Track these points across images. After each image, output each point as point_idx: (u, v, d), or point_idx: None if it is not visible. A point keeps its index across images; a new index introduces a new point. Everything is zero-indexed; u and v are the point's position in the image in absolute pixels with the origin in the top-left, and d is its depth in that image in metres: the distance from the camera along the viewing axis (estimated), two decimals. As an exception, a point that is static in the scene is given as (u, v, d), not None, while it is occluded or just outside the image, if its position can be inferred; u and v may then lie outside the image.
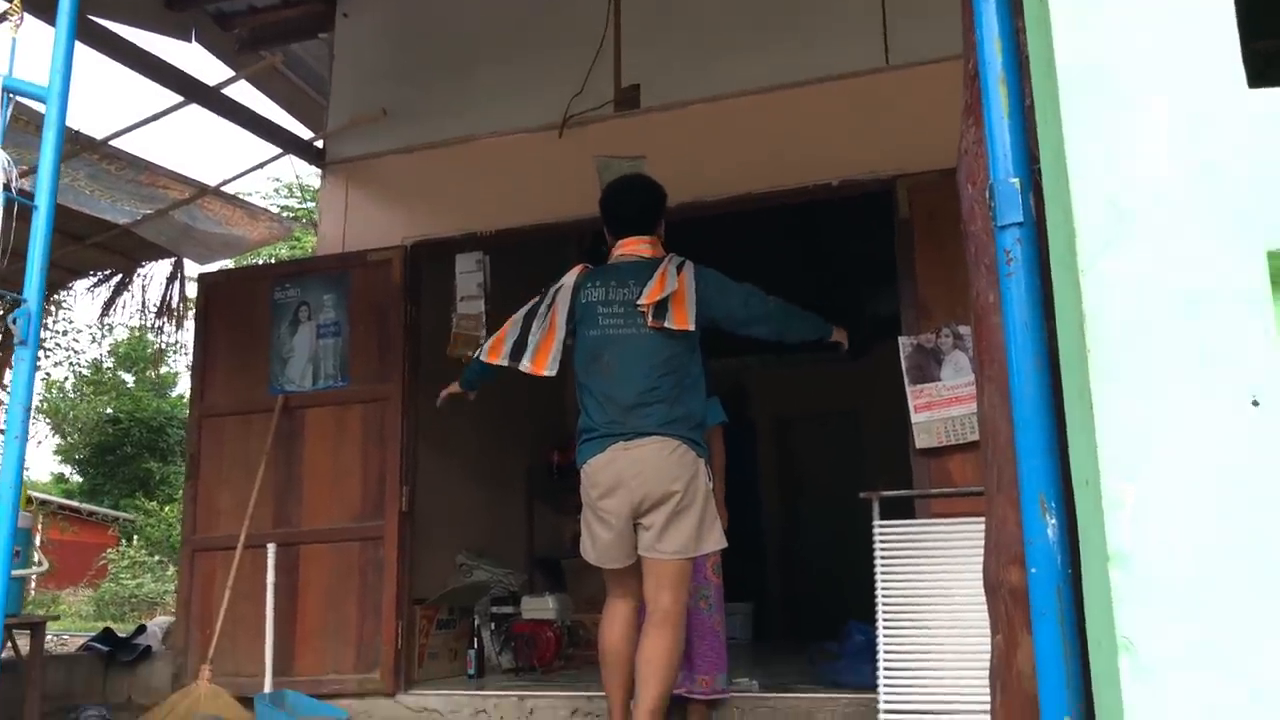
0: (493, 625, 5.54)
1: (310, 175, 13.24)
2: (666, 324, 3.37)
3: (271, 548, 4.80)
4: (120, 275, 6.02)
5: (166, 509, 18.02)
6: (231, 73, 5.53)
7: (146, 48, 4.95)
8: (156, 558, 16.61)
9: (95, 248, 5.54)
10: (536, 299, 3.66)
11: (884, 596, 3.54)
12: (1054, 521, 1.21)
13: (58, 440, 22.22)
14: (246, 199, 6.80)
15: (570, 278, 3.63)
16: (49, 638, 5.84)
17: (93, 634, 6.42)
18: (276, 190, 15.89)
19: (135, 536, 18.19)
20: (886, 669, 3.46)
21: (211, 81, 5.14)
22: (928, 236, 4.18)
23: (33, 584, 13.67)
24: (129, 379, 22.40)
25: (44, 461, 27.20)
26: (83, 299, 6.72)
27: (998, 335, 1.34)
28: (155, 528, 17.85)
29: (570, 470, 4.03)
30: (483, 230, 5.18)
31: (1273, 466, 0.95)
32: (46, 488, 21.68)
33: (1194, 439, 0.97)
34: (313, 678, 4.78)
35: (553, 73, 5.12)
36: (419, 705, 4.65)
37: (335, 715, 4.56)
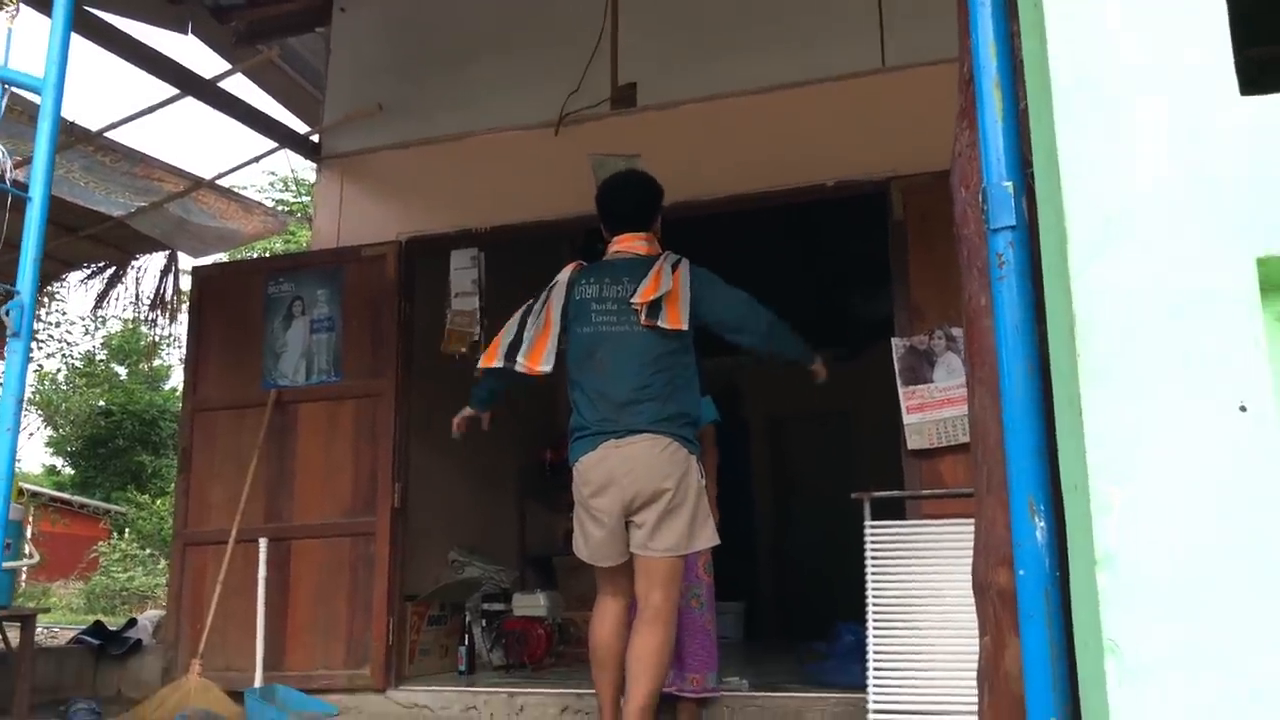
0: (484, 622, 5.54)
1: (305, 169, 13.24)
2: (659, 323, 3.36)
3: (263, 542, 4.80)
4: (114, 268, 6.01)
5: (158, 502, 17.99)
6: (228, 66, 5.52)
7: (143, 40, 4.94)
8: (148, 551, 16.59)
9: (89, 240, 5.53)
10: (531, 300, 3.66)
11: (874, 597, 3.55)
12: (1043, 524, 1.22)
13: (50, 432, 22.16)
14: (241, 193, 6.79)
15: (564, 274, 3.63)
16: (39, 630, 5.83)
17: (83, 627, 6.41)
18: (271, 184, 15.85)
19: (127, 529, 18.15)
20: (876, 669, 3.46)
21: (207, 74, 5.14)
22: (921, 238, 4.19)
23: (23, 576, 13.65)
24: (122, 371, 22.34)
25: (36, 453, 27.13)
26: (76, 291, 6.70)
27: (989, 338, 1.35)
28: (147, 521, 17.82)
29: (562, 468, 4.03)
30: (478, 227, 5.18)
31: (1260, 472, 0.96)
32: (38, 480, 21.61)
33: (1182, 444, 0.98)
34: (303, 673, 4.79)
35: (549, 70, 5.12)
36: (409, 701, 4.65)
37: (326, 711, 4.56)
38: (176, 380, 20.47)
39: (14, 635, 4.84)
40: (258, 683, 4.57)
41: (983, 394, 1.45)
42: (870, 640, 3.50)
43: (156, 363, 20.97)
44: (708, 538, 3.42)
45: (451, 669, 5.29)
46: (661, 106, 4.93)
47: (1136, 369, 1.00)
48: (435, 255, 5.27)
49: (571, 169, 4.80)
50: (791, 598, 8.52)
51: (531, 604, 5.46)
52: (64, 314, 18.76)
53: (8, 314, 2.23)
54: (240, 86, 7.43)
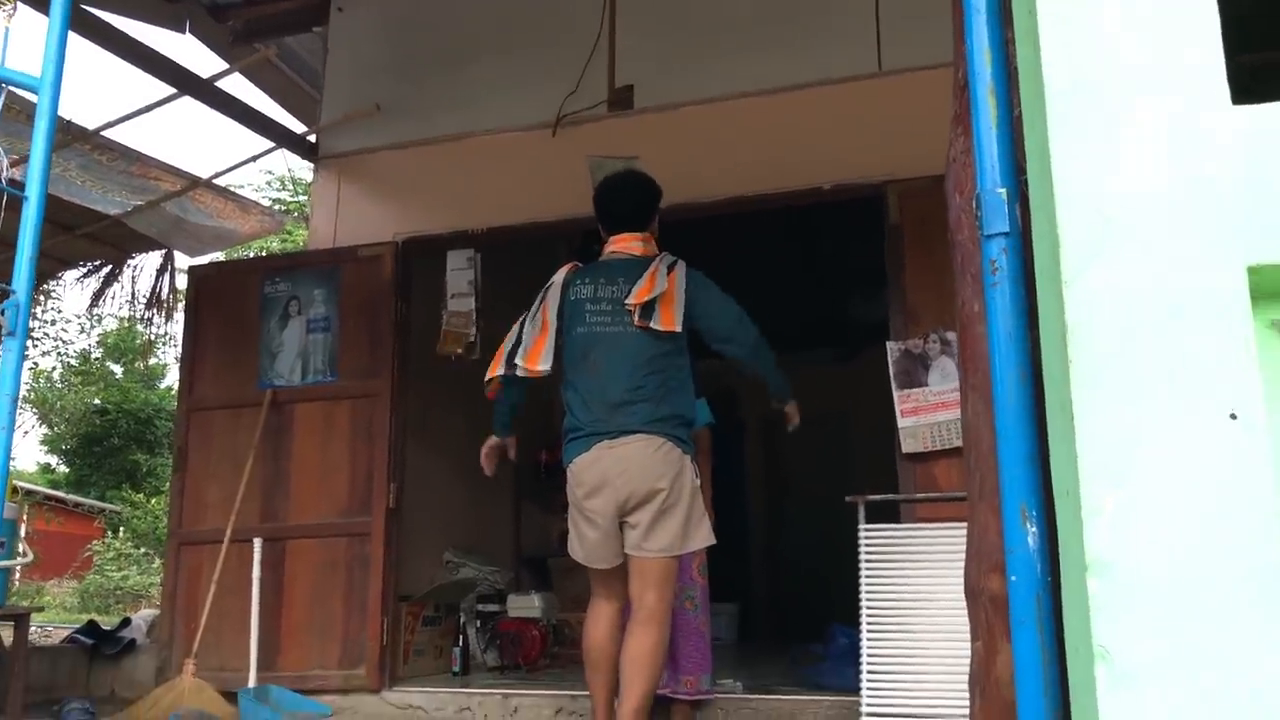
0: (478, 623, 5.54)
1: (303, 168, 13.23)
2: (652, 324, 3.35)
3: (258, 542, 4.80)
4: (110, 266, 6.00)
5: (153, 501, 17.97)
6: (225, 65, 5.52)
7: (140, 38, 4.94)
8: (142, 550, 16.57)
9: (85, 238, 5.52)
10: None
11: (868, 600, 3.55)
12: (1034, 530, 1.22)
13: (44, 430, 22.14)
14: (238, 191, 6.79)
15: (559, 275, 3.62)
16: (33, 629, 5.82)
17: (77, 626, 6.41)
18: (269, 183, 15.86)
19: (121, 528, 18.13)
20: (870, 672, 3.47)
21: (205, 74, 5.14)
22: (917, 242, 4.20)
23: (17, 575, 13.63)
24: (117, 370, 22.31)
25: (30, 452, 27.11)
26: (72, 289, 6.71)
27: (982, 344, 1.35)
28: (141, 520, 17.79)
29: (558, 469, 4.03)
30: (475, 228, 5.18)
31: (1249, 479, 0.96)
32: (33, 478, 21.58)
33: (1172, 451, 0.98)
34: (297, 673, 4.78)
35: (547, 71, 5.12)
36: (403, 702, 4.65)
37: (319, 711, 4.55)
38: (172, 379, 20.44)
39: (8, 634, 4.83)
40: (252, 683, 4.56)
41: (976, 400, 1.46)
42: (864, 643, 3.51)
43: (152, 361, 20.97)
44: (703, 538, 3.41)
45: (446, 670, 5.29)
46: (659, 109, 4.94)
47: (1128, 376, 1.00)
48: (432, 256, 5.28)
49: (569, 171, 4.81)
50: (786, 599, 8.52)
51: (526, 605, 5.46)
52: (60, 312, 18.77)
53: (3, 313, 2.23)
54: (238, 86, 7.43)
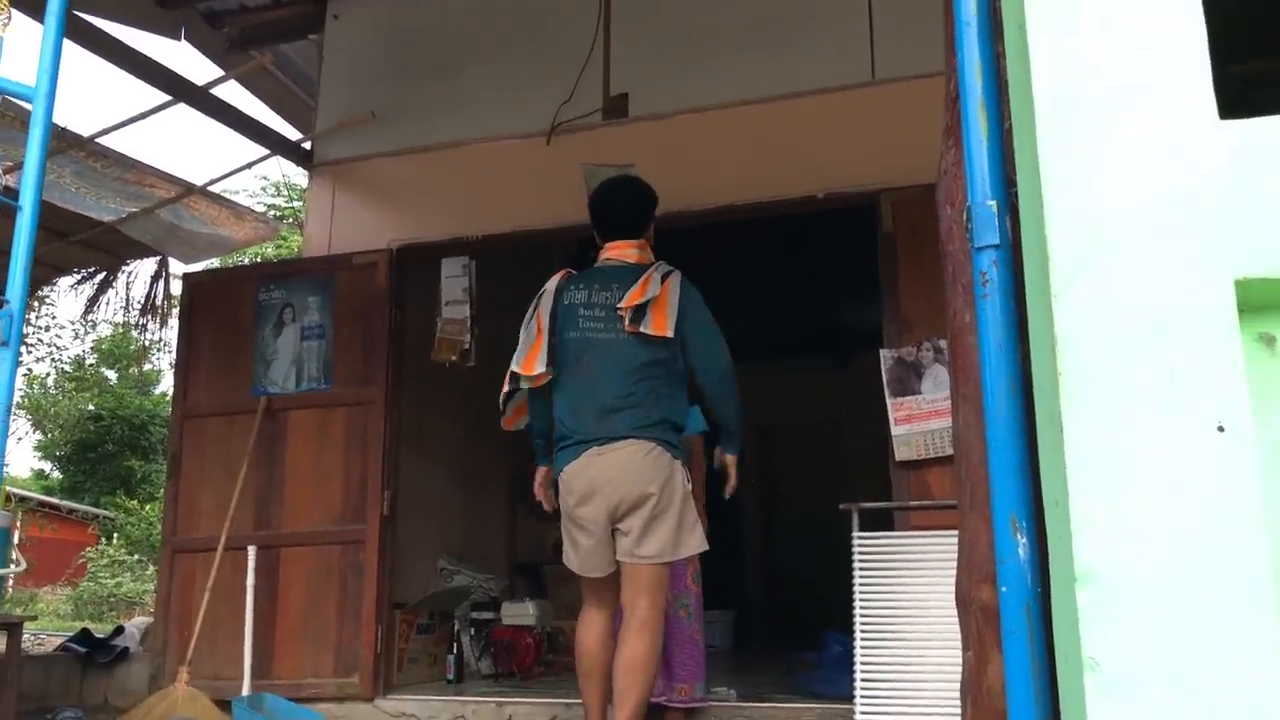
0: (473, 631, 5.53)
1: (298, 174, 13.22)
2: (643, 329, 3.33)
3: (252, 550, 4.78)
4: (104, 273, 6.00)
5: (147, 508, 17.92)
6: (220, 72, 5.53)
7: (135, 46, 4.95)
8: (136, 557, 16.52)
9: (80, 245, 5.52)
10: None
11: (862, 608, 3.55)
12: (1025, 541, 1.23)
13: (38, 436, 22.09)
14: (233, 197, 6.78)
15: (552, 282, 3.61)
16: (26, 637, 5.80)
17: (70, 634, 6.39)
18: (263, 189, 15.85)
19: (115, 535, 18.08)
20: (863, 680, 3.47)
21: (200, 81, 5.15)
22: (911, 250, 4.21)
23: (10, 582, 13.57)
24: (112, 376, 22.28)
25: (24, 458, 26.98)
26: (66, 296, 6.69)
27: (973, 355, 1.36)
28: (135, 526, 17.75)
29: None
30: (469, 235, 5.19)
31: (1237, 491, 0.97)
32: (26, 484, 21.53)
33: (1161, 462, 0.99)
34: (291, 681, 4.77)
35: (541, 80, 5.13)
36: (397, 710, 4.65)
37: (313, 719, 4.54)
38: (167, 385, 20.39)
39: (0, 643, 4.82)
40: (245, 691, 4.55)
41: (967, 410, 1.46)
42: (858, 651, 3.51)
43: (147, 367, 20.90)
44: (695, 543, 3.39)
45: (440, 678, 5.28)
46: (654, 117, 4.95)
47: (1117, 388, 1.01)
48: (427, 263, 5.28)
49: (563, 179, 4.81)
50: (781, 605, 8.53)
51: (520, 613, 5.45)
52: (54, 318, 18.73)
53: (-3, 322, 2.23)
54: (233, 93, 7.42)
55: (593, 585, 3.43)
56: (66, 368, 21.46)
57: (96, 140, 4.78)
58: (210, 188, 5.48)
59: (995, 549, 1.25)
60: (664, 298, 3.39)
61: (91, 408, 21.07)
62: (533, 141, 5.09)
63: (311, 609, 4.89)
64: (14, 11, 2.94)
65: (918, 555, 3.55)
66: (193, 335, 5.45)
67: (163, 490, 6.23)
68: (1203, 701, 0.94)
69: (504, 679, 5.30)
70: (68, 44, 3.25)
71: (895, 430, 4.08)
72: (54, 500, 19.56)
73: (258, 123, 5.75)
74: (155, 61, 4.97)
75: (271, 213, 13.44)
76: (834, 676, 4.08)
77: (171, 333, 5.98)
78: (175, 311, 5.82)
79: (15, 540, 5.74)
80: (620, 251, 3.59)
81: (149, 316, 6.08)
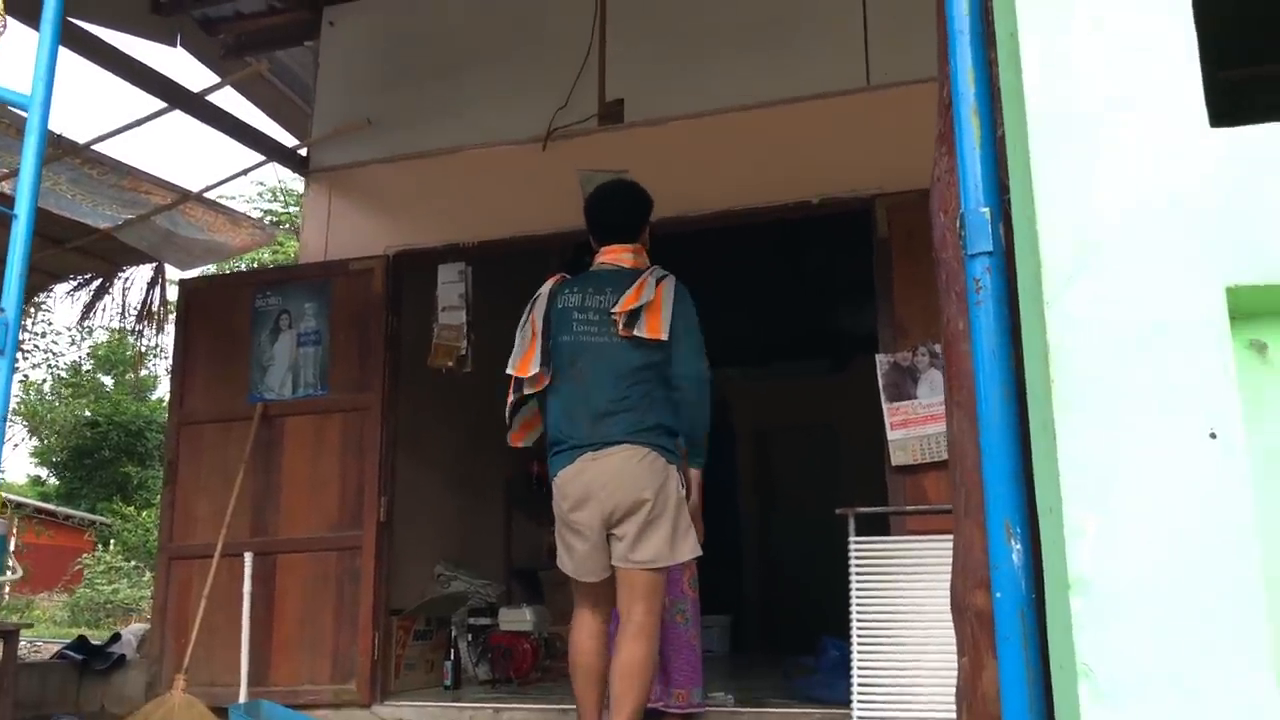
0: (470, 636, 5.53)
1: (294, 179, 13.22)
2: (637, 332, 3.32)
3: (249, 556, 4.79)
4: (100, 279, 5.99)
5: (144, 514, 17.89)
6: (216, 78, 5.53)
7: (131, 53, 4.95)
8: (133, 563, 16.49)
9: (76, 252, 5.51)
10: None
11: (859, 612, 3.56)
12: (1019, 547, 1.23)
13: (35, 443, 22.04)
14: (229, 202, 6.80)
15: (546, 287, 3.60)
16: (22, 645, 5.79)
17: (67, 641, 6.38)
18: (260, 194, 15.84)
19: (112, 541, 18.05)
20: (861, 685, 3.47)
21: (196, 87, 5.14)
22: (905, 255, 4.21)
23: (6, 589, 13.56)
24: (108, 382, 22.25)
25: (20, 464, 26.94)
26: (62, 302, 6.69)
27: (967, 362, 1.36)
28: (132, 533, 17.72)
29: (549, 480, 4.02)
30: (465, 241, 5.19)
31: (1229, 498, 0.97)
32: (23, 490, 21.48)
33: (1154, 470, 0.99)
34: (288, 688, 4.77)
35: (537, 85, 5.14)
36: (395, 716, 4.64)
37: (310, 726, 4.54)
38: (163, 390, 20.34)
39: (-3, 650, 4.81)
40: (242, 698, 4.55)
41: (961, 417, 1.46)
42: (855, 656, 3.51)
43: (143, 373, 20.87)
44: (690, 549, 3.37)
45: (437, 684, 5.28)
46: (649, 123, 4.95)
47: (1109, 395, 1.01)
48: (423, 269, 5.28)
49: (559, 184, 4.81)
50: (778, 609, 8.53)
51: (517, 618, 5.45)
52: (50, 324, 18.71)
53: (-8, 331, 2.22)
54: (229, 100, 7.41)
55: (587, 589, 3.42)
56: (63, 374, 21.44)
57: (92, 147, 4.78)
58: (206, 194, 5.48)
59: (989, 555, 1.25)
60: (658, 301, 3.38)
61: (88, 414, 21.04)
62: (529, 147, 5.10)
63: (308, 615, 4.88)
64: (9, 19, 2.94)
65: (914, 560, 3.55)
66: (189, 341, 5.45)
67: (159, 496, 6.23)
68: (1196, 707, 0.94)
69: (501, 685, 5.29)
70: (63, 51, 3.25)
71: (891, 435, 4.08)
72: (50, 506, 19.52)
73: (254, 129, 5.76)
74: (151, 68, 4.98)
75: (268, 218, 13.44)
76: (831, 681, 4.08)
77: (168, 339, 5.98)
78: (172, 318, 5.82)
79: (11, 547, 5.74)
80: (615, 256, 3.58)
81: (145, 323, 6.08)
